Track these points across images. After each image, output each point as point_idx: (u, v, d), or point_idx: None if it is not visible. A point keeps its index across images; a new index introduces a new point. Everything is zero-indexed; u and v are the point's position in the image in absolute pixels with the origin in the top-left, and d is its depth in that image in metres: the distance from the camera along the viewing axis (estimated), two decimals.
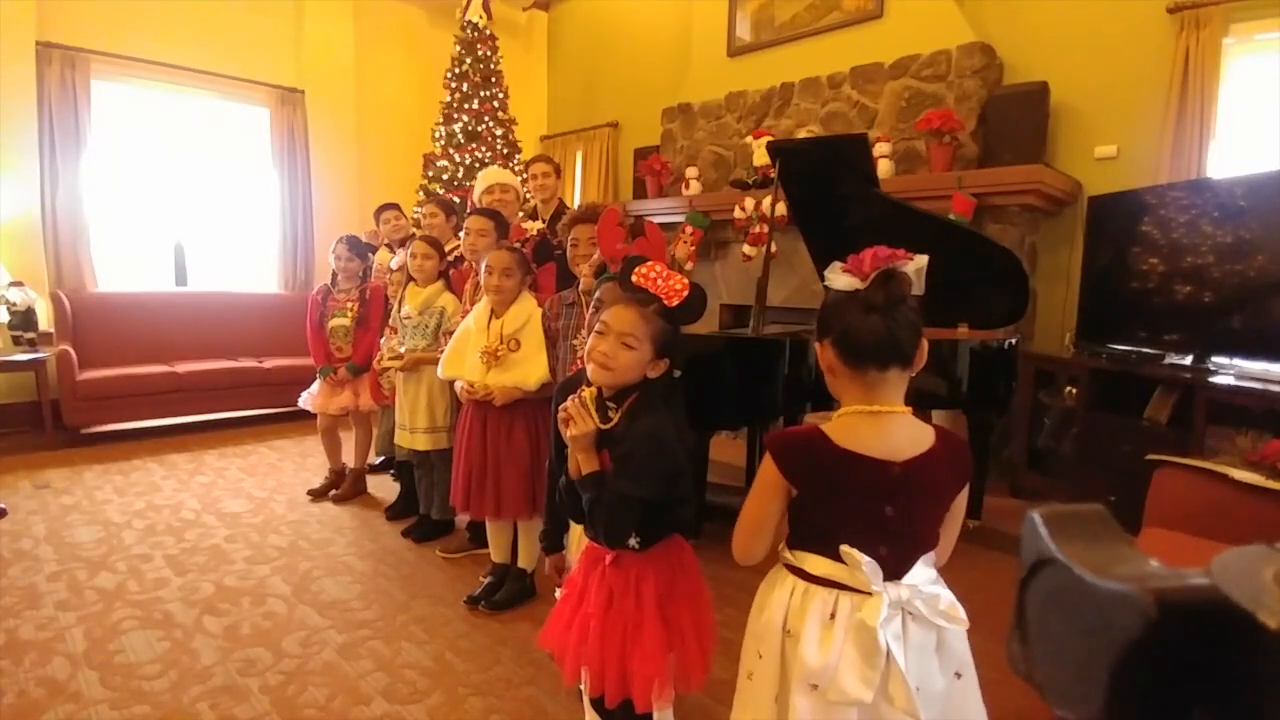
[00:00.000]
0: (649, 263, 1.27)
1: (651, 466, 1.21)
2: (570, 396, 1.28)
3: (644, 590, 1.28)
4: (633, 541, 1.27)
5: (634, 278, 1.26)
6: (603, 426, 1.25)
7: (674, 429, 1.26)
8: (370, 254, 3.65)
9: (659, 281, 1.24)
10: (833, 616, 1.00)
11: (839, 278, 1.02)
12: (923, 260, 1.01)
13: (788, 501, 1.06)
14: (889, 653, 0.96)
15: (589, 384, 1.29)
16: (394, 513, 3.22)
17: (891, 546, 1.00)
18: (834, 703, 0.98)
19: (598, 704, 1.35)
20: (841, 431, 1.02)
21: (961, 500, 1.08)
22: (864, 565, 0.97)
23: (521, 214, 3.25)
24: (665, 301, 1.24)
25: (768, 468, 1.04)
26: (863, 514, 1.01)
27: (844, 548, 0.99)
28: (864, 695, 0.95)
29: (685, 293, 1.24)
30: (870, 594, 0.98)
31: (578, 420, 1.24)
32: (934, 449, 1.02)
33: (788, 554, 1.08)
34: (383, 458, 3.88)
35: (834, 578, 1.01)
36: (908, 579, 1.00)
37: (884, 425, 1.01)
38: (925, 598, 0.99)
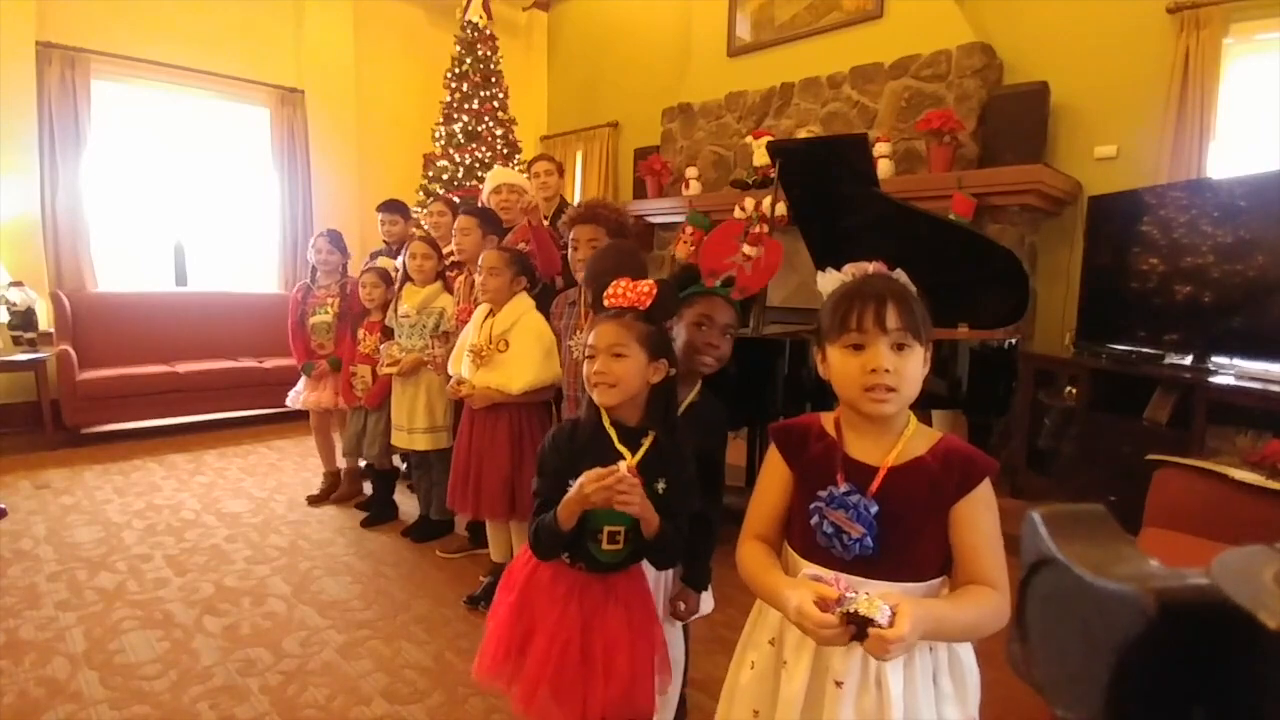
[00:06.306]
0: (614, 283, 1.29)
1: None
2: (606, 471, 1.15)
3: (642, 594, 1.31)
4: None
5: (605, 302, 1.28)
6: (632, 461, 1.20)
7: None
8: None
9: (628, 294, 1.26)
10: None
11: None
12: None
13: None
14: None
15: (616, 458, 1.20)
16: (369, 522, 3.11)
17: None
18: None
19: None
20: None
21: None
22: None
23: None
24: (639, 308, 1.26)
25: None
26: None
27: None
28: None
29: (654, 292, 1.26)
30: None
31: (631, 491, 1.15)
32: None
33: None
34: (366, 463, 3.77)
35: None
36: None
37: None
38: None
